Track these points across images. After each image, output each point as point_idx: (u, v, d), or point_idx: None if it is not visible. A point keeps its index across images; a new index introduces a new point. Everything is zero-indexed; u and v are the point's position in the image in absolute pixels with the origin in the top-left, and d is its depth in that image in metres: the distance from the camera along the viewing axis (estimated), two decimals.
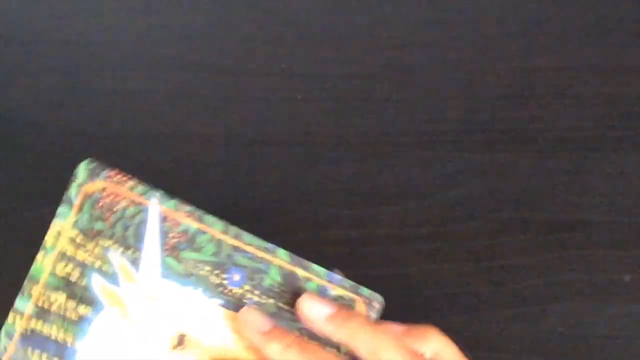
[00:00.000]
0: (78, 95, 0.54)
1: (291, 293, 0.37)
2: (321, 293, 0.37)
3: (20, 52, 0.55)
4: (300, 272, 0.37)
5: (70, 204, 0.37)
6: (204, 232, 0.37)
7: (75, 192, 0.37)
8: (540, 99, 0.52)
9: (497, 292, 0.49)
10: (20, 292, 0.36)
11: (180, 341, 0.37)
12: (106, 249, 0.36)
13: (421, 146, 0.52)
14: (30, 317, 0.36)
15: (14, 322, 0.36)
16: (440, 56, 0.53)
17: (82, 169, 0.37)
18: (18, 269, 0.52)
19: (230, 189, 0.52)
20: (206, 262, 0.37)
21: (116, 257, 0.36)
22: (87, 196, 0.37)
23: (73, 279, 0.36)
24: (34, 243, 0.52)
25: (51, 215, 0.52)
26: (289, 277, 0.37)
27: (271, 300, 0.37)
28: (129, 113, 0.53)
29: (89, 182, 0.36)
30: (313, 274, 0.37)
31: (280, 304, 0.37)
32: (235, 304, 0.37)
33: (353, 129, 0.52)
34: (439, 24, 0.53)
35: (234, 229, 0.37)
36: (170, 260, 0.37)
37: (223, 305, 0.37)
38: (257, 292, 0.37)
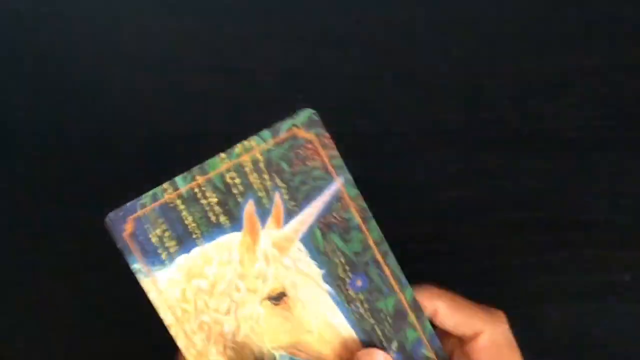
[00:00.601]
0: (78, 95, 0.54)
1: (391, 326, 0.38)
2: (414, 345, 0.38)
3: (20, 52, 0.55)
4: (411, 318, 0.38)
5: (276, 133, 0.38)
6: (361, 232, 0.38)
7: (286, 127, 0.38)
8: (540, 99, 0.52)
9: (498, 292, 0.49)
10: (187, 172, 0.37)
11: (279, 297, 0.38)
12: (275, 187, 0.38)
13: (421, 146, 0.52)
14: (180, 195, 0.37)
15: (164, 191, 0.37)
16: (440, 56, 0.53)
17: (305, 115, 0.38)
18: (19, 268, 0.52)
19: None
20: (344, 254, 0.38)
21: (279, 199, 0.38)
22: (293, 137, 0.38)
23: (234, 191, 0.37)
24: (34, 243, 0.52)
25: (53, 215, 0.52)
26: (399, 314, 0.38)
27: (372, 321, 0.38)
28: (130, 113, 0.53)
29: (302, 127, 0.38)
30: (420, 326, 0.38)
31: (377, 329, 0.38)
32: (340, 301, 0.38)
33: (353, 129, 0.52)
34: (439, 24, 0.53)
35: (385, 247, 0.38)
36: (318, 233, 0.38)
37: (329, 294, 0.38)
38: (366, 306, 0.38)
